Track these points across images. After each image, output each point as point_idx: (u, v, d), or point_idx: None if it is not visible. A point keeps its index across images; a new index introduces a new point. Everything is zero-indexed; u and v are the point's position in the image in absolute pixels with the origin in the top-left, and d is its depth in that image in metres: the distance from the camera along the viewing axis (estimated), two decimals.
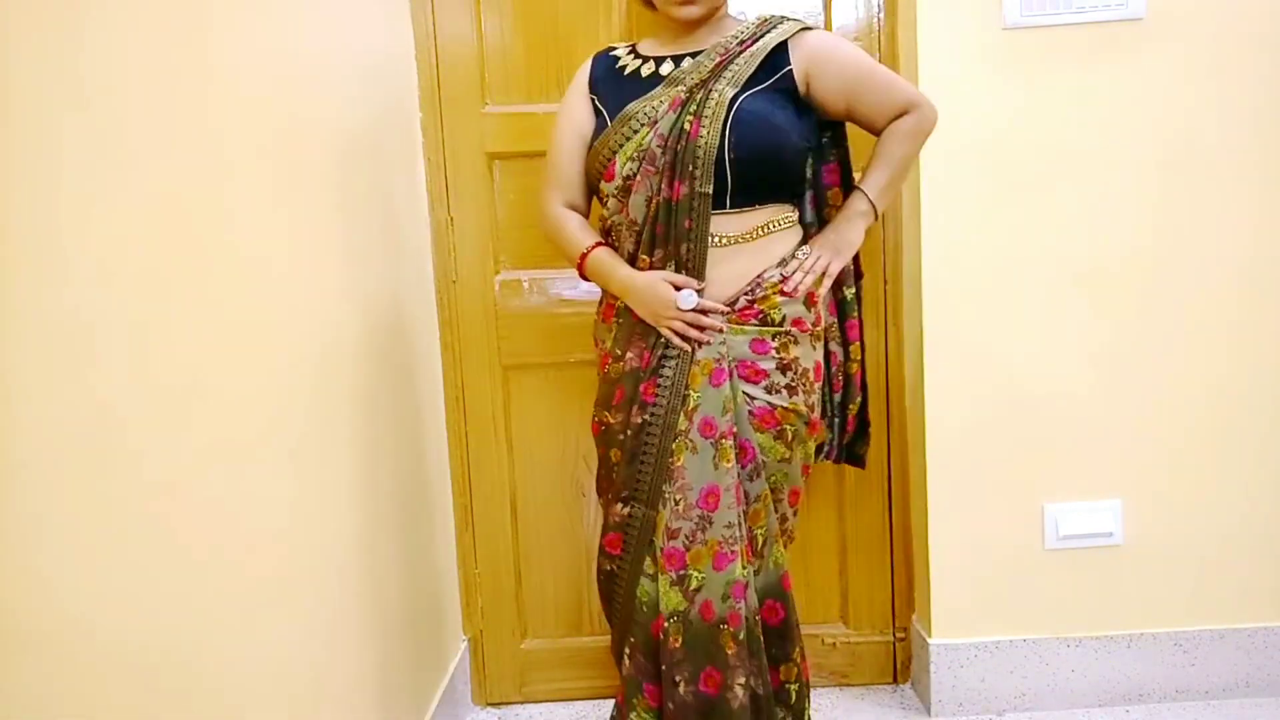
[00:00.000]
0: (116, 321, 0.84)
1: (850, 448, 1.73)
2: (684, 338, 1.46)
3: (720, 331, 1.45)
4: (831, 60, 1.49)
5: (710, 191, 1.42)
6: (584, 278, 1.58)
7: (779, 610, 1.55)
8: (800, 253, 1.52)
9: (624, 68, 1.55)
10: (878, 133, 1.56)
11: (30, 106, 0.74)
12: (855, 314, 1.68)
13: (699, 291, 1.44)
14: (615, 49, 1.60)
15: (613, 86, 1.54)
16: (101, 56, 0.84)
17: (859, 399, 1.70)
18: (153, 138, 0.92)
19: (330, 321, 1.38)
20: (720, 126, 1.41)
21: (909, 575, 2.05)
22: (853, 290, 1.67)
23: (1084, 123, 1.81)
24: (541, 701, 2.09)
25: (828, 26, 1.94)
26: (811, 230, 1.62)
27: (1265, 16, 1.79)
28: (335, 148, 1.44)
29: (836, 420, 1.69)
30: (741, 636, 1.45)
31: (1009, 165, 1.83)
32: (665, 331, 1.46)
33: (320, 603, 1.28)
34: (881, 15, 1.94)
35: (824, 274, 1.52)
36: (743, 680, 1.45)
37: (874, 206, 1.56)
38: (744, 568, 1.46)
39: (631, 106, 1.48)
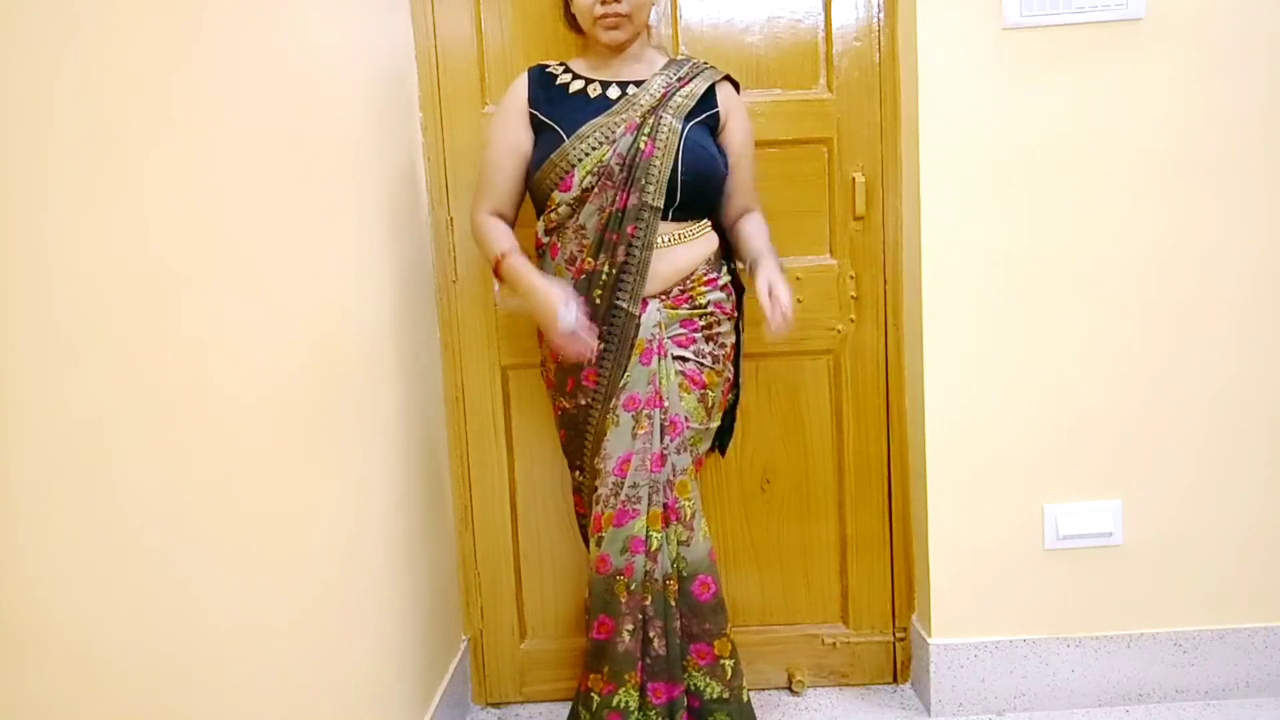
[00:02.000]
0: (114, 322, 0.84)
1: (719, 437, 1.84)
2: (564, 349, 1.60)
3: (590, 355, 1.60)
4: (739, 120, 1.74)
5: (660, 205, 1.61)
6: (498, 277, 1.71)
7: (710, 585, 1.68)
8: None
9: (566, 86, 1.71)
10: (725, 211, 1.76)
11: (29, 106, 0.74)
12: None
13: (578, 313, 1.58)
14: (548, 66, 1.75)
15: (561, 105, 1.69)
16: (101, 56, 0.84)
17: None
18: (151, 137, 0.92)
19: (330, 321, 1.38)
20: (674, 151, 1.62)
21: (909, 575, 2.05)
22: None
23: (1083, 123, 1.82)
24: (541, 701, 2.09)
25: (828, 26, 1.95)
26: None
27: (1265, 16, 1.79)
28: (335, 147, 1.44)
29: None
30: (633, 587, 1.61)
31: (1009, 165, 1.83)
32: (552, 341, 1.62)
33: (320, 603, 1.28)
34: (881, 15, 1.94)
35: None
36: (630, 627, 1.62)
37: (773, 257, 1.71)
38: (650, 528, 1.61)
39: (590, 125, 1.64)
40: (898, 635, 2.08)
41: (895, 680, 2.09)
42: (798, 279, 1.98)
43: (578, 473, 1.77)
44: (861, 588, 2.08)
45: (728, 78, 1.74)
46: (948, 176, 1.83)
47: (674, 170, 1.61)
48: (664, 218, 1.64)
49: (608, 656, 1.63)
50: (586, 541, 1.76)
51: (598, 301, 1.63)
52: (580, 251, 1.65)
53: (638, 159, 1.61)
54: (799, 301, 1.98)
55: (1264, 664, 1.92)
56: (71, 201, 0.79)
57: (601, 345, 1.63)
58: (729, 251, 1.79)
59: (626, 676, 1.62)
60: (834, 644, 2.08)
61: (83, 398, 0.79)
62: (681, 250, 1.66)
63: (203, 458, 0.98)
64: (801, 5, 1.95)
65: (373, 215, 1.61)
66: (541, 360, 1.79)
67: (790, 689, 2.07)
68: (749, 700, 1.71)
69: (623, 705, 1.62)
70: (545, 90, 1.70)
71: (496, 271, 1.69)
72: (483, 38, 1.96)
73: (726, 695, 1.67)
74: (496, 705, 2.11)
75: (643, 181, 1.60)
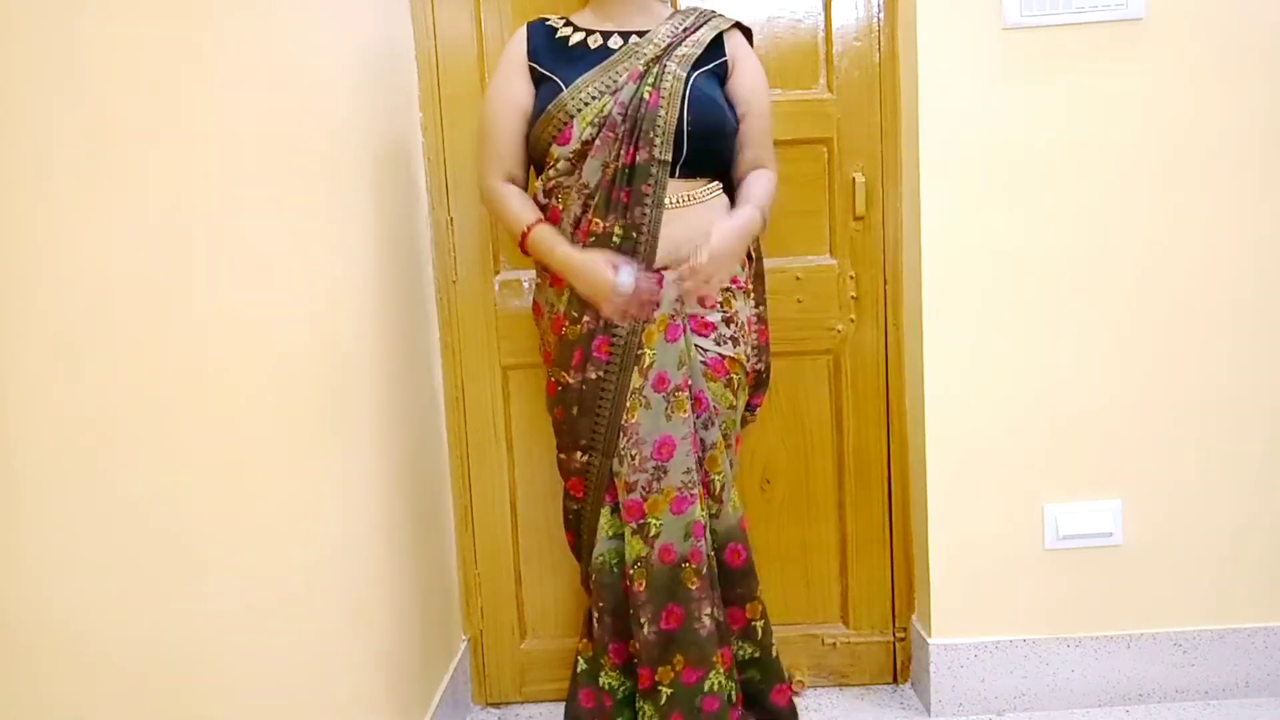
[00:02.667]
0: (112, 322, 0.84)
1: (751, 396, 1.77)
2: (627, 314, 1.54)
3: (657, 305, 1.54)
4: (748, 67, 1.66)
5: (669, 159, 1.53)
6: (524, 251, 1.63)
7: (741, 552, 1.66)
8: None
9: (566, 39, 1.64)
10: (739, 163, 1.67)
11: (28, 105, 0.74)
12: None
13: (635, 271, 1.51)
14: (548, 19, 1.68)
15: (561, 56, 1.62)
16: (100, 55, 0.84)
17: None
18: (151, 137, 0.92)
19: (329, 321, 1.38)
20: (679, 102, 1.53)
21: (909, 575, 2.05)
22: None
23: (1083, 123, 1.82)
24: (541, 701, 2.09)
25: (828, 26, 1.95)
26: None
27: (1265, 16, 1.79)
28: (335, 147, 1.44)
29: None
30: (704, 571, 1.56)
31: (1008, 165, 1.83)
32: (606, 311, 1.54)
33: (320, 604, 1.28)
34: (881, 15, 1.94)
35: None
36: (709, 610, 1.57)
37: (761, 212, 1.62)
38: (702, 510, 1.57)
39: (590, 74, 1.56)
40: (898, 635, 2.08)
41: (895, 680, 2.09)
42: (798, 279, 1.98)
43: (580, 454, 1.63)
44: (861, 588, 2.08)
45: (738, 25, 1.67)
46: (948, 176, 1.83)
47: (680, 122, 1.52)
48: (672, 175, 1.54)
49: (684, 644, 1.55)
50: (579, 557, 1.72)
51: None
52: (585, 212, 1.56)
53: (642, 109, 1.52)
54: (798, 302, 1.99)
55: (1264, 664, 1.92)
56: (71, 201, 0.79)
57: (593, 322, 1.57)
58: None
59: (714, 659, 1.57)
60: (834, 644, 2.08)
61: (83, 397, 0.79)
62: (694, 212, 1.57)
63: (202, 457, 0.98)
64: (801, 5, 1.95)
65: (372, 215, 1.61)
66: (540, 335, 1.72)
67: (790, 689, 2.07)
68: (778, 656, 1.72)
69: (716, 687, 1.56)
70: (546, 42, 1.64)
71: (522, 245, 1.61)
72: (483, 38, 1.96)
73: (758, 654, 1.69)
74: (496, 705, 2.11)
75: (650, 134, 1.51)
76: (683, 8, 1.70)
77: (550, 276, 1.64)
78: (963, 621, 1.93)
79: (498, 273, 2.01)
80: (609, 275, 1.50)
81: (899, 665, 2.08)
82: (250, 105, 1.13)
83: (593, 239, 1.55)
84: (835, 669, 2.09)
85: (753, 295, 1.70)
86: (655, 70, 1.55)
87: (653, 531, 1.55)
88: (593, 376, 1.58)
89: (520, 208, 1.61)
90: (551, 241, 1.57)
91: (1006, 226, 1.84)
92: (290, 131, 1.26)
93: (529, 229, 1.58)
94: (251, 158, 1.13)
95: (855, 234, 1.99)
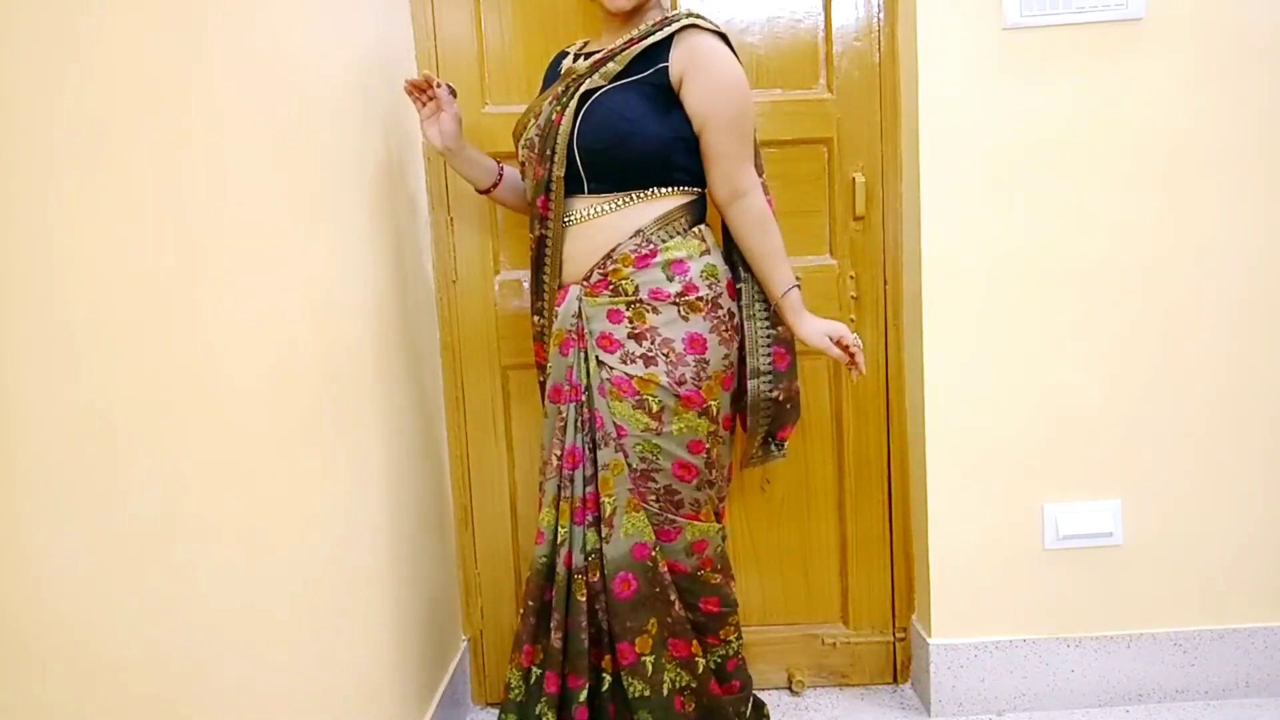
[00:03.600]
0: (112, 322, 0.84)
1: (771, 431, 1.72)
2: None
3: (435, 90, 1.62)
4: (699, 76, 1.51)
5: (563, 175, 1.54)
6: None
7: (631, 581, 1.56)
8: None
9: (558, 63, 1.69)
10: (710, 188, 1.59)
11: (28, 105, 0.74)
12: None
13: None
14: (569, 48, 1.70)
15: (546, 83, 1.70)
16: (100, 56, 0.84)
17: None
18: (151, 137, 0.92)
19: (329, 320, 1.38)
20: (572, 117, 1.52)
21: (909, 575, 2.05)
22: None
23: (1083, 123, 1.82)
24: None
25: (828, 26, 1.95)
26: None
27: (1265, 16, 1.79)
28: (333, 147, 1.44)
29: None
30: (528, 575, 1.63)
31: (1008, 165, 1.83)
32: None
33: (319, 603, 1.28)
34: (881, 15, 1.94)
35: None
36: (523, 610, 1.63)
37: (790, 294, 1.61)
38: (556, 521, 1.59)
39: (533, 102, 1.64)
40: (898, 635, 2.08)
41: (895, 680, 2.09)
42: (797, 279, 1.98)
43: None
44: (861, 588, 2.08)
45: (695, 26, 1.52)
46: (948, 176, 1.83)
47: (570, 137, 1.52)
48: (580, 191, 1.56)
49: (516, 634, 1.65)
50: None
51: (534, 274, 1.67)
52: (531, 227, 1.67)
53: (549, 129, 1.55)
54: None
55: (1264, 664, 1.92)
56: (71, 201, 0.79)
57: (540, 320, 1.68)
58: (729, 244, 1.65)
59: (515, 656, 1.63)
60: (834, 644, 2.08)
61: (83, 397, 0.79)
62: (598, 225, 1.56)
63: (202, 457, 0.98)
64: (801, 5, 1.95)
65: (372, 215, 1.61)
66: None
67: (790, 689, 2.07)
68: (669, 694, 1.59)
69: (510, 682, 1.64)
70: (550, 72, 1.72)
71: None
72: (483, 37, 1.95)
73: (648, 693, 1.57)
74: (496, 705, 2.10)
75: (549, 153, 1.55)
76: (667, 15, 1.59)
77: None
78: (963, 621, 1.93)
79: (498, 273, 2.01)
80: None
81: (899, 665, 2.08)
82: (250, 105, 1.13)
83: (532, 250, 1.66)
84: (835, 669, 2.09)
85: (768, 313, 1.66)
86: (573, 89, 1.55)
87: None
88: (541, 378, 1.72)
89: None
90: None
91: (1006, 226, 1.84)
92: (290, 131, 1.26)
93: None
94: (251, 157, 1.13)
95: (855, 234, 1.99)
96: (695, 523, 1.60)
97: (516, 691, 1.63)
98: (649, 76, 1.52)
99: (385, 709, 1.53)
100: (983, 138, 1.82)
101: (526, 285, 1.98)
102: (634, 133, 1.51)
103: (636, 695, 1.57)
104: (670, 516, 1.58)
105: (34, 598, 0.73)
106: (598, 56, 1.56)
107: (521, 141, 1.63)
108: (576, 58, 1.64)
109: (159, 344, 0.91)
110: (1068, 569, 1.92)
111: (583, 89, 1.53)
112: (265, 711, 1.09)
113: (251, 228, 1.12)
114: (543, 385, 1.70)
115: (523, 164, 1.64)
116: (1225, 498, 1.90)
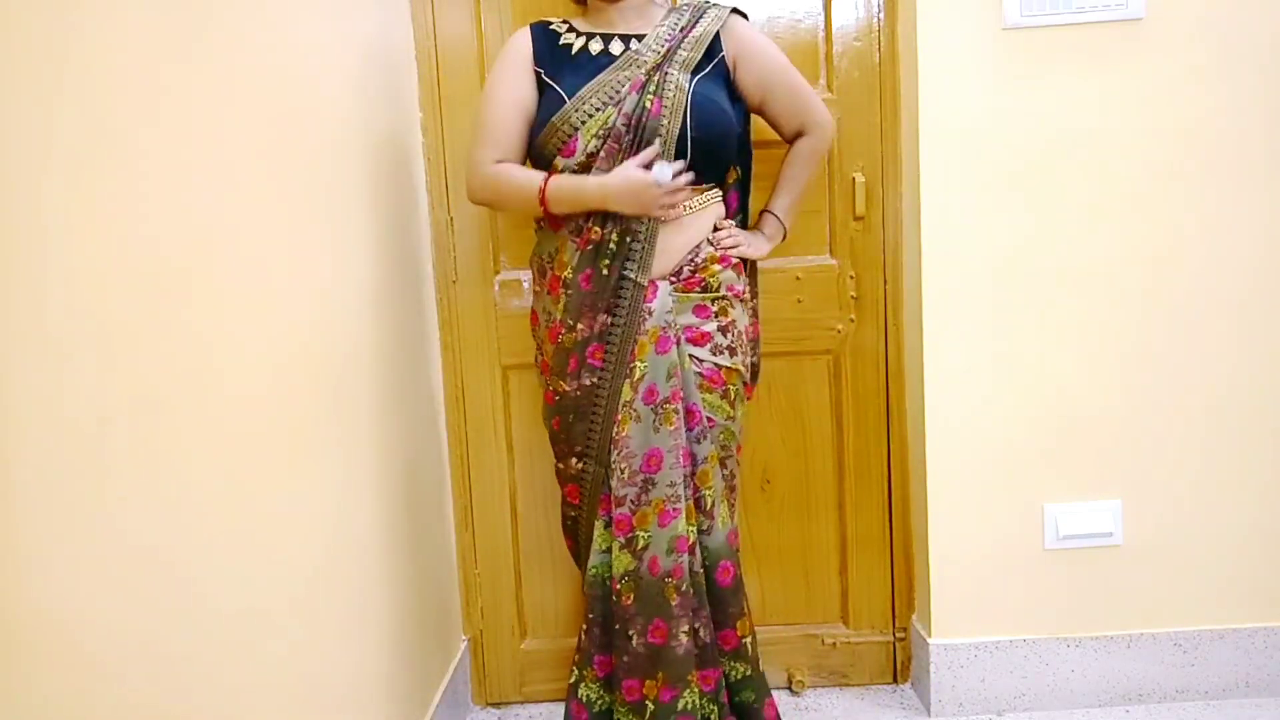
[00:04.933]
0: (111, 323, 0.84)
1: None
2: (668, 208, 1.54)
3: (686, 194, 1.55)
4: (754, 53, 1.63)
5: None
6: (546, 209, 1.56)
7: (730, 569, 1.62)
8: (725, 223, 1.66)
9: (569, 46, 1.62)
10: (782, 134, 1.72)
11: (27, 105, 0.74)
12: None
13: (667, 165, 1.49)
14: (551, 23, 1.66)
15: (563, 64, 1.60)
16: (99, 55, 0.84)
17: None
18: (150, 137, 0.92)
19: (329, 320, 1.38)
20: (682, 110, 1.53)
21: (909, 575, 2.05)
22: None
23: (1083, 123, 1.82)
24: (541, 701, 2.09)
25: (828, 26, 1.95)
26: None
27: (1265, 16, 1.79)
28: (334, 147, 1.44)
29: None
30: (684, 588, 1.55)
31: (1008, 165, 1.83)
32: (658, 213, 1.53)
33: (318, 603, 1.28)
34: (881, 15, 1.94)
35: (738, 246, 1.65)
36: (685, 628, 1.55)
37: (783, 225, 1.75)
38: (688, 524, 1.56)
39: (591, 85, 1.55)
40: (898, 635, 2.08)
41: (895, 680, 2.09)
42: (798, 279, 1.98)
43: (575, 460, 1.64)
44: (861, 588, 2.08)
45: (735, 10, 1.64)
46: (948, 176, 1.83)
47: (683, 129, 1.52)
48: None
49: (664, 661, 1.54)
50: (579, 563, 1.73)
51: (605, 272, 1.54)
52: (586, 221, 1.55)
53: (644, 119, 1.51)
54: (798, 302, 1.99)
55: (1264, 664, 1.92)
56: (71, 201, 0.79)
57: (609, 319, 1.56)
58: (745, 220, 1.74)
59: (689, 678, 1.55)
60: (834, 644, 2.08)
61: (81, 397, 0.79)
62: (691, 219, 1.58)
63: (201, 457, 0.98)
64: (801, 5, 1.95)
65: (372, 215, 1.61)
66: (537, 345, 1.70)
67: (790, 689, 2.07)
68: (763, 668, 1.70)
69: (691, 706, 1.54)
70: (550, 47, 1.62)
71: (543, 202, 1.54)
72: (483, 38, 1.96)
73: (749, 673, 1.65)
74: (496, 705, 2.10)
75: (641, 142, 1.51)
76: (681, 4, 1.68)
77: (547, 283, 1.63)
78: (963, 621, 1.93)
79: (498, 273, 2.01)
80: (647, 177, 1.47)
81: (899, 665, 2.08)
82: (250, 105, 1.13)
83: (591, 246, 1.55)
84: (835, 669, 2.09)
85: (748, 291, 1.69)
86: (656, 78, 1.53)
87: (640, 544, 1.55)
88: (587, 383, 1.58)
89: (525, 172, 1.58)
90: (575, 180, 1.53)
91: (1006, 226, 1.84)
92: (290, 131, 1.26)
93: (545, 182, 1.54)
94: (251, 157, 1.13)
95: (855, 234, 1.99)
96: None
97: (600, 703, 1.63)
98: (716, 68, 1.59)
99: (385, 709, 1.53)
100: (983, 138, 1.82)
101: (527, 285, 1.99)
102: (730, 128, 1.59)
103: (739, 678, 1.64)
104: (733, 500, 1.68)
105: (33, 599, 0.73)
106: (658, 45, 1.56)
107: (592, 130, 1.53)
108: (590, 38, 1.61)
109: (158, 344, 0.91)
110: (1068, 569, 1.92)
111: (682, 79, 1.53)
112: (265, 712, 1.09)
113: (251, 228, 1.12)
114: (559, 394, 1.62)
115: (591, 154, 1.53)
116: (1225, 498, 1.90)
